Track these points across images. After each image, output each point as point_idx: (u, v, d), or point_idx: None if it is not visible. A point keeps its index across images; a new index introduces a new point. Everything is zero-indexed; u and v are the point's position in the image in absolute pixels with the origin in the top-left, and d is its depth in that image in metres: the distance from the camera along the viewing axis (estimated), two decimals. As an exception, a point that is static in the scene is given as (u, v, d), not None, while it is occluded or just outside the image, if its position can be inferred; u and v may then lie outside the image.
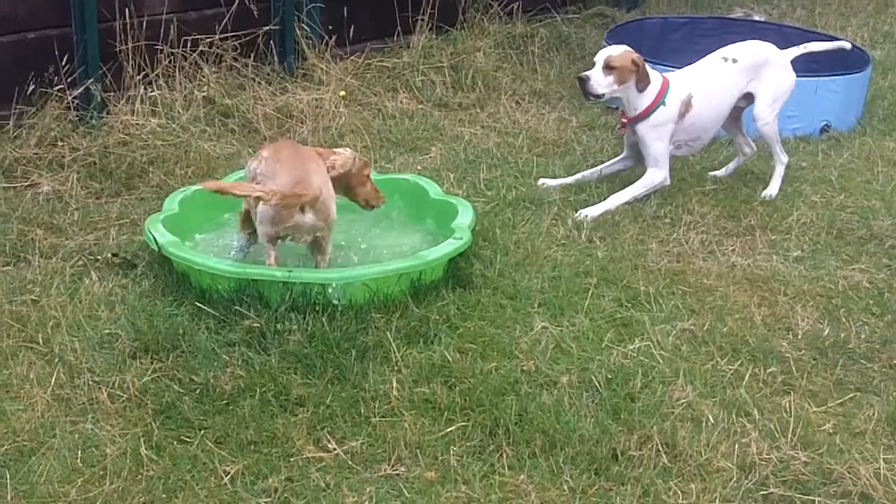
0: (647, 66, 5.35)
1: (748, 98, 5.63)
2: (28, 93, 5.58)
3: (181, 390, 3.73)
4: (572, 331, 4.20)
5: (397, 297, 4.26)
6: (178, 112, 5.89)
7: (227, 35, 6.29)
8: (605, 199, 5.30)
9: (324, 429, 3.58)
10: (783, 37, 7.57)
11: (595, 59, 5.35)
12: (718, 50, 5.63)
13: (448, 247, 4.46)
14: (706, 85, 5.46)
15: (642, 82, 5.27)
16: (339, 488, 3.33)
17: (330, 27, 6.82)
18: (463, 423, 3.63)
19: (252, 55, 6.43)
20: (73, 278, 4.44)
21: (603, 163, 5.69)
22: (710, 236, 5.08)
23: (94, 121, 5.70)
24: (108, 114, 5.77)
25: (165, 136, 5.66)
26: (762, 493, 3.41)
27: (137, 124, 5.68)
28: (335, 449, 3.49)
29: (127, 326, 4.06)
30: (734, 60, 5.53)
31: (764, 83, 5.57)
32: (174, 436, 3.53)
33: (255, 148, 5.83)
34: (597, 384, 3.86)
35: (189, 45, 6.15)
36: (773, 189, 5.64)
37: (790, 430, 3.65)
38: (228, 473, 3.36)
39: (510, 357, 4.02)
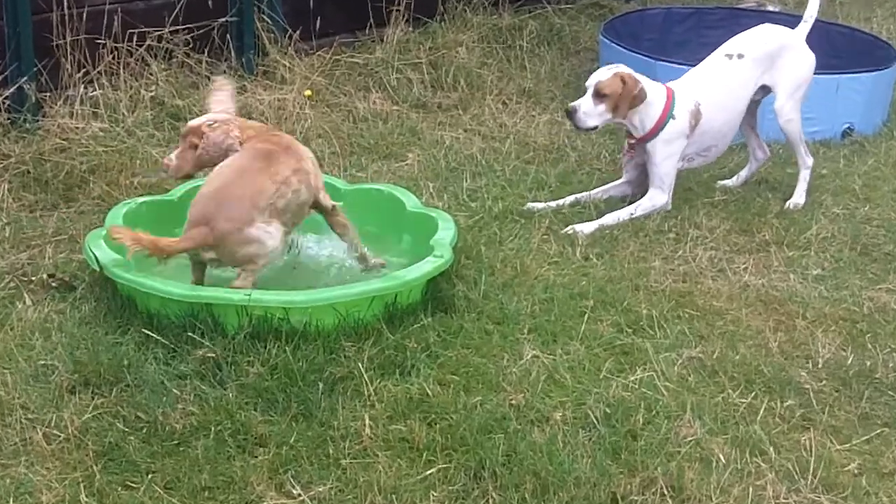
0: (646, 81, 5.39)
1: (764, 90, 5.68)
2: (-47, 92, 5.58)
3: (126, 429, 3.72)
4: (566, 360, 4.21)
5: (370, 322, 4.26)
6: (123, 114, 5.90)
7: (178, 28, 6.31)
8: (600, 217, 5.33)
9: (287, 472, 3.57)
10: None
11: (586, 84, 5.38)
12: (721, 46, 5.65)
13: (427, 266, 4.46)
14: (713, 89, 5.50)
15: (624, 102, 5.26)
16: (305, 539, 3.34)
17: (294, 19, 6.84)
18: (444, 465, 3.62)
19: (206, 50, 6.44)
20: (4, 302, 4.44)
21: (601, 185, 5.67)
22: (720, 253, 5.11)
23: (27, 124, 5.69)
24: (43, 116, 5.77)
25: (108, 142, 5.65)
26: (780, 541, 3.43)
27: (77, 128, 5.68)
28: (300, 494, 3.48)
29: (65, 357, 4.05)
30: (740, 56, 5.55)
31: (782, 73, 5.61)
32: (118, 481, 3.51)
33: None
34: (594, 420, 3.87)
35: (135, 39, 6.15)
36: (799, 197, 5.69)
37: (810, 470, 3.67)
38: (179, 523, 3.36)
39: (497, 390, 4.02)
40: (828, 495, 3.59)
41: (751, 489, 3.58)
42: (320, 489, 3.51)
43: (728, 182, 5.88)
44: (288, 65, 6.65)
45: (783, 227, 5.39)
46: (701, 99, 5.44)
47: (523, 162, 6.06)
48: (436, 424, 3.81)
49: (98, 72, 6.01)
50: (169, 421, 3.75)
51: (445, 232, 4.73)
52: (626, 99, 5.26)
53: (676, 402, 4.00)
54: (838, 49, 7.34)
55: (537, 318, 4.48)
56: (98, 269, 4.42)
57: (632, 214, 5.37)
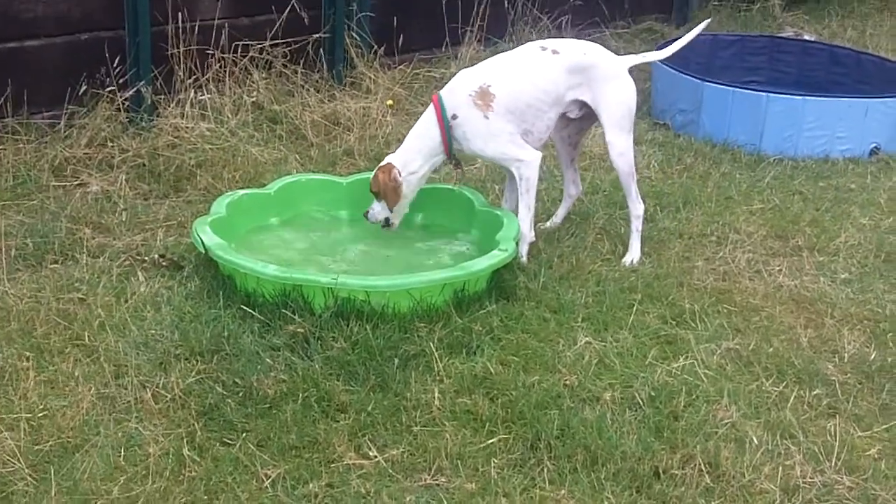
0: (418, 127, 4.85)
1: (581, 108, 4.87)
2: (80, 93, 5.65)
3: (224, 392, 3.75)
4: (616, 346, 4.18)
5: (441, 307, 4.26)
6: (227, 116, 5.94)
7: (277, 42, 6.34)
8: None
9: (365, 436, 3.59)
10: (833, 57, 7.55)
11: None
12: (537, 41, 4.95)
13: (493, 258, 4.45)
14: (512, 71, 4.75)
15: (388, 194, 4.71)
16: (380, 496, 3.34)
17: (379, 37, 6.85)
18: (504, 436, 3.62)
19: (301, 62, 6.47)
20: (120, 278, 4.49)
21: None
22: (757, 256, 5.04)
23: (144, 123, 5.76)
24: (158, 116, 5.83)
25: (214, 140, 5.70)
26: (805, 516, 3.38)
27: (187, 127, 5.73)
28: (376, 456, 3.49)
29: (172, 327, 4.10)
30: (554, 52, 4.78)
31: (605, 98, 4.79)
32: (217, 437, 3.55)
33: (302, 154, 5.89)
34: (640, 401, 3.84)
35: (240, 50, 6.19)
36: (634, 253, 4.94)
37: (835, 453, 3.61)
38: (269, 477, 3.37)
39: (553, 371, 4.01)
40: (850, 476, 3.53)
41: (780, 468, 3.53)
42: (394, 452, 3.52)
43: (547, 224, 5.23)
44: (373, 77, 6.66)
45: (815, 235, 5.31)
46: (492, 80, 4.68)
47: (580, 169, 6.00)
48: (497, 399, 3.80)
49: (206, 78, 6.06)
50: (262, 387, 3.77)
51: (509, 229, 4.72)
52: (388, 192, 4.70)
53: (715, 388, 3.95)
54: (868, 76, 7.24)
55: (590, 308, 4.45)
56: (203, 252, 4.46)
57: (527, 205, 4.74)
